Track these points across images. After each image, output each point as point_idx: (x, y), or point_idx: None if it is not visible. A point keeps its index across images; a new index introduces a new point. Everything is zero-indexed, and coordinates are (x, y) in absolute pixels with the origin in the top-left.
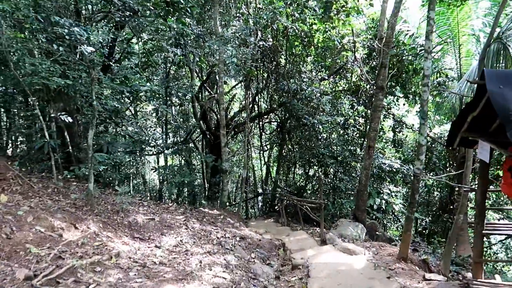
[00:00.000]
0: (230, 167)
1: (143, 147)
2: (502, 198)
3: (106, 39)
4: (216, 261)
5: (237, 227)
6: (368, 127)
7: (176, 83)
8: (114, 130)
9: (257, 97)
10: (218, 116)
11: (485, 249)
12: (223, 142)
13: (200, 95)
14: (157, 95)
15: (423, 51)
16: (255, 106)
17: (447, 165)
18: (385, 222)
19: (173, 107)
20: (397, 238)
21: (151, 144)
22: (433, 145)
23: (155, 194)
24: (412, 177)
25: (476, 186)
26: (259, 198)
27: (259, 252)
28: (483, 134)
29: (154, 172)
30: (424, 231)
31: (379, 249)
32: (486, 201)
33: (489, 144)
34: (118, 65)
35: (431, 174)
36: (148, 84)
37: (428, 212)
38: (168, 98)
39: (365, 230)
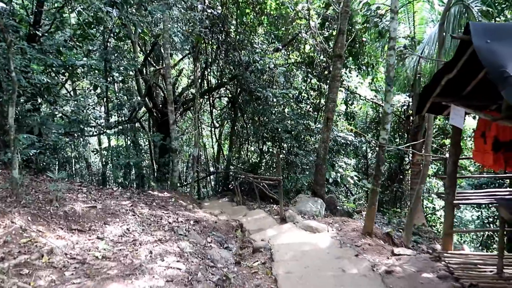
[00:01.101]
0: (180, 146)
1: (82, 127)
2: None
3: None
4: (168, 249)
5: (190, 209)
6: (324, 99)
7: (115, 55)
8: (48, 109)
9: (206, 71)
10: (164, 92)
11: (430, 215)
12: (171, 120)
13: (144, 70)
14: (95, 70)
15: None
16: (205, 80)
17: (396, 136)
18: (337, 194)
19: (115, 84)
20: (354, 211)
21: (91, 124)
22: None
23: (98, 178)
24: (366, 148)
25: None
26: (212, 177)
27: (216, 236)
28: (456, 98)
29: (95, 154)
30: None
31: (342, 225)
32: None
33: (463, 109)
34: (49, 37)
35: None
36: (85, 58)
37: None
38: (108, 74)
39: (325, 205)
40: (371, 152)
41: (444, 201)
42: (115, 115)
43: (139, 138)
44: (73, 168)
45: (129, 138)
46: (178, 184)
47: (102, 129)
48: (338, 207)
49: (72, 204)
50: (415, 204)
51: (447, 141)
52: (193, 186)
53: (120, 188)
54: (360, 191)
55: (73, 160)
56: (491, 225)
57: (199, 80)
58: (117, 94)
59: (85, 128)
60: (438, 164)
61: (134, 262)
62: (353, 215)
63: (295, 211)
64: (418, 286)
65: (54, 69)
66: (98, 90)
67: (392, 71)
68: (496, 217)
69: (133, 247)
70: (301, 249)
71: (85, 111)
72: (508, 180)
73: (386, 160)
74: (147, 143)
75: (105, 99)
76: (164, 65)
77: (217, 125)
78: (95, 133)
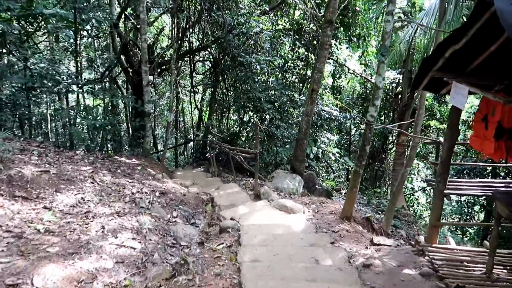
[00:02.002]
0: (160, 110)
1: (45, 82)
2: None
3: None
4: (125, 224)
5: (158, 179)
6: (310, 70)
7: (86, 4)
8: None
9: (188, 32)
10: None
11: (408, 196)
12: (145, 81)
13: (121, 25)
14: (65, 21)
15: None
16: (186, 42)
17: (381, 114)
18: (317, 170)
19: (90, 39)
20: (333, 189)
21: (58, 80)
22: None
23: (64, 140)
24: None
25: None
26: (190, 145)
27: (183, 210)
28: (460, 75)
29: (59, 113)
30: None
31: (319, 206)
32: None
33: (467, 87)
34: None
35: (364, 119)
36: (54, 8)
37: None
38: (79, 25)
39: (303, 182)
40: (355, 129)
41: (433, 190)
42: (88, 73)
43: (113, 100)
44: (46, 128)
45: (99, 98)
46: (152, 151)
47: (69, 86)
48: (317, 185)
49: (21, 167)
50: (398, 188)
51: (433, 123)
52: (165, 154)
53: (84, 151)
54: (341, 167)
55: (49, 119)
56: (470, 210)
57: (179, 41)
58: (87, 49)
59: (48, 84)
60: (421, 146)
61: (82, 238)
62: (332, 194)
63: (271, 188)
64: (398, 284)
65: (14, 15)
66: (65, 43)
67: (388, 39)
68: (475, 202)
69: (84, 220)
70: (272, 232)
71: (52, 65)
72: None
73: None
74: (123, 105)
75: (74, 53)
76: (139, 20)
77: (197, 90)
78: (61, 90)
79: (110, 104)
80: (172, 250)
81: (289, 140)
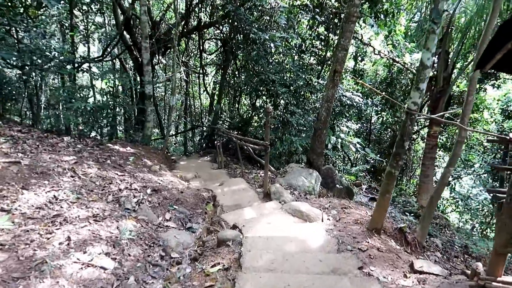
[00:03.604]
0: (170, 93)
1: (35, 59)
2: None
3: None
4: (101, 233)
5: (155, 171)
6: (331, 51)
7: None
8: None
9: (197, 7)
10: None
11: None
12: (146, 59)
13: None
14: None
15: None
16: (194, 17)
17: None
18: (334, 159)
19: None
20: (353, 184)
21: (49, 57)
22: (401, 76)
23: (56, 125)
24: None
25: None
26: (199, 131)
27: (178, 211)
28: None
29: (54, 93)
30: (372, 169)
31: (341, 212)
32: None
33: None
34: None
35: (390, 110)
36: None
37: (380, 149)
38: None
39: (321, 178)
40: (377, 117)
41: (497, 203)
42: (92, 51)
43: (110, 80)
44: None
45: (96, 78)
46: (158, 138)
47: (62, 64)
48: (336, 182)
49: None
50: (438, 192)
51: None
52: (166, 141)
53: (75, 138)
54: (361, 159)
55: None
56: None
57: (186, 16)
58: (84, 22)
59: (38, 61)
60: (447, 136)
61: (37, 254)
62: (353, 192)
63: (284, 185)
64: None
65: None
66: (54, 12)
67: (442, 1)
68: None
69: (49, 227)
70: (283, 250)
71: (43, 41)
72: None
73: (393, 125)
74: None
75: (69, 28)
76: None
77: (206, 71)
78: (53, 68)
79: (111, 85)
80: (155, 271)
81: (305, 128)
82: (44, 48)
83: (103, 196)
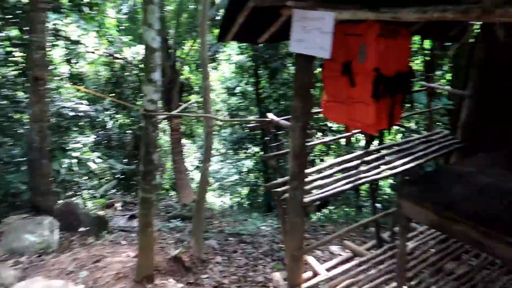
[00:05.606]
0: None
1: None
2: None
3: None
4: None
5: None
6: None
7: None
8: None
9: None
10: None
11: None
12: None
13: None
14: None
15: None
16: None
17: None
18: (78, 181)
19: None
20: (104, 208)
21: None
22: (126, 73)
23: None
24: None
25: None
26: None
27: None
28: None
29: None
30: (121, 179)
31: (94, 269)
32: None
33: (332, 13)
34: None
35: (124, 111)
36: None
37: (126, 154)
38: None
39: (58, 223)
40: (113, 121)
41: (286, 201)
42: None
43: None
44: None
45: None
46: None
47: None
48: (81, 218)
49: None
50: (202, 193)
51: (193, 97)
52: None
53: None
54: (108, 175)
55: None
56: None
57: None
58: None
59: None
60: (186, 122)
61: None
62: (106, 221)
63: (2, 253)
64: None
65: None
66: None
67: None
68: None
69: None
70: None
71: None
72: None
73: (131, 126)
74: None
75: None
76: None
77: None
78: None
79: None
80: None
81: (23, 159)
82: None
83: None
